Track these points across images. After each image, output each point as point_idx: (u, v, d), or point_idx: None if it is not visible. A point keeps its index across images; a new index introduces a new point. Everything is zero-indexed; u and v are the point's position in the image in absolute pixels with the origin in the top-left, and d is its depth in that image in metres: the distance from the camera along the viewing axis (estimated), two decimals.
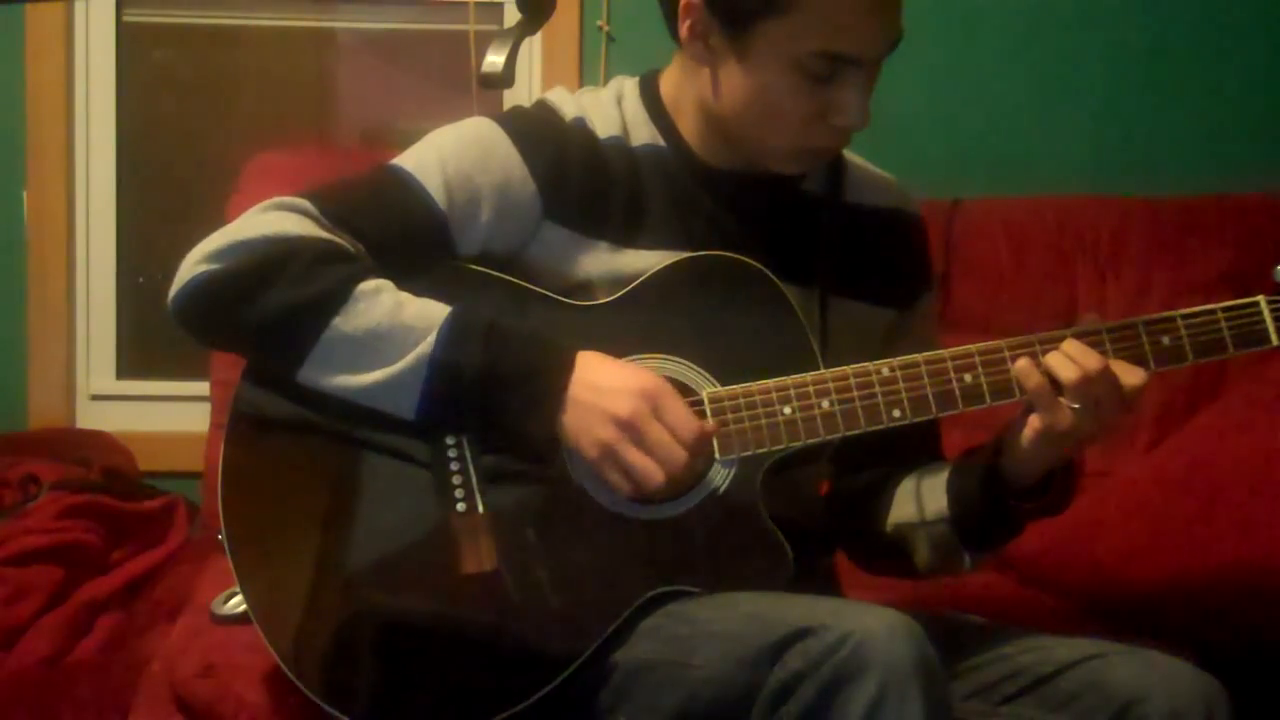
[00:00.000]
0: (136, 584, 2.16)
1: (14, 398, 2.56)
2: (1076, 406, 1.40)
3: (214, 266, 1.42)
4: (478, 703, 1.39)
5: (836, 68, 1.43)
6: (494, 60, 1.44)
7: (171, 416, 2.60)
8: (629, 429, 1.37)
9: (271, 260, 1.41)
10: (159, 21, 2.70)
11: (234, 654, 1.57)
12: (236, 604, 1.50)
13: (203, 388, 2.31)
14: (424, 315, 1.42)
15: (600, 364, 1.42)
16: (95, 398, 2.62)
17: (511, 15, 1.50)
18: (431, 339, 1.40)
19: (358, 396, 1.41)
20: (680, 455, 1.37)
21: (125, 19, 2.63)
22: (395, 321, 1.40)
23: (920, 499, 1.58)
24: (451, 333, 1.40)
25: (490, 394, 1.40)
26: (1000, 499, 1.49)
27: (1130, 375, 1.42)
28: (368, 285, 1.42)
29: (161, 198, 2.69)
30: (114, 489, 2.28)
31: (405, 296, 1.43)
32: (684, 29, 1.49)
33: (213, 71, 2.73)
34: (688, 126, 1.56)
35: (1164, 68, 2.66)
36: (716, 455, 1.44)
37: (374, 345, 1.40)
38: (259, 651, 1.47)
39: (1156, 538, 1.97)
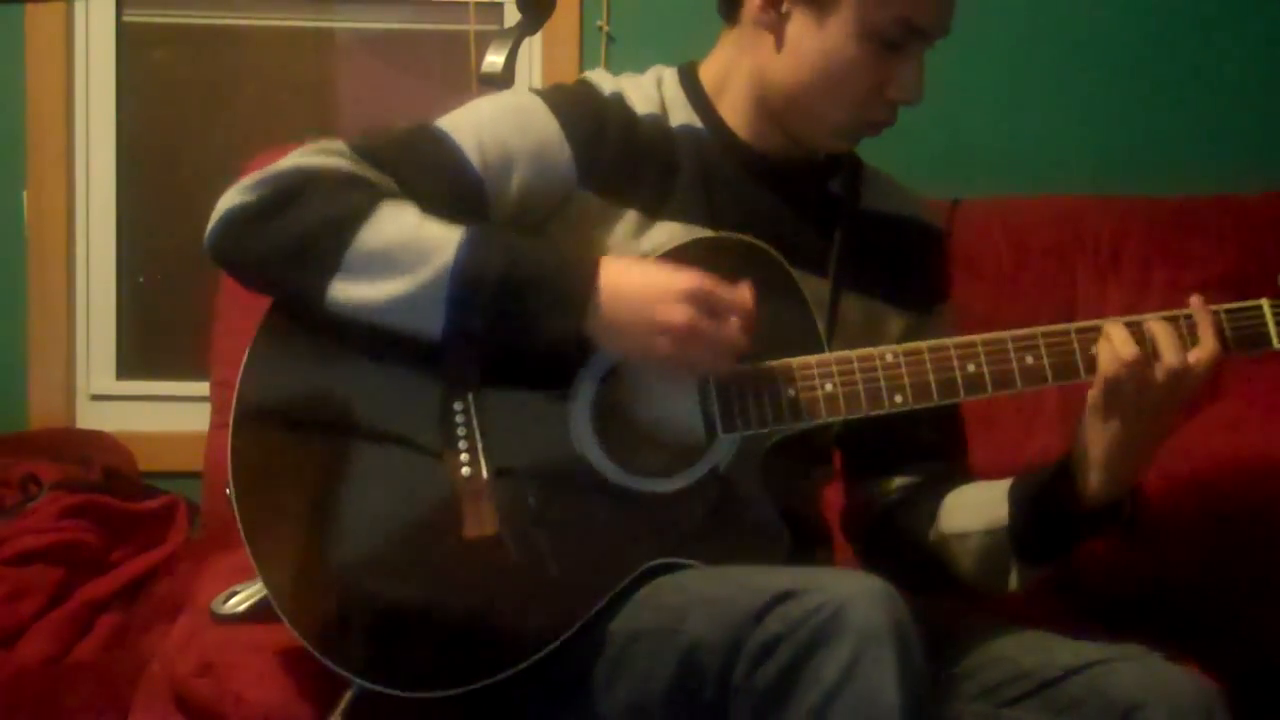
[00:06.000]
0: (136, 584, 2.17)
1: (14, 398, 2.56)
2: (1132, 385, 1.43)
3: (246, 197, 1.46)
4: (472, 665, 1.41)
5: (908, 40, 1.49)
6: (494, 60, 1.45)
7: (171, 416, 2.59)
8: (695, 300, 1.39)
9: (301, 184, 1.44)
10: (159, 21, 2.69)
11: (234, 653, 1.57)
12: (236, 603, 1.51)
13: (203, 388, 2.30)
14: (446, 228, 1.43)
15: (629, 262, 1.45)
16: (95, 398, 2.62)
17: (511, 15, 1.51)
18: (453, 248, 1.41)
19: (383, 312, 1.42)
20: (746, 311, 1.40)
21: (125, 19, 2.63)
22: (418, 234, 1.42)
23: (974, 509, 1.57)
24: (473, 240, 1.42)
25: (514, 295, 1.41)
26: (1064, 505, 1.49)
27: (1172, 354, 1.45)
28: (392, 204, 1.44)
29: (161, 198, 2.69)
30: (114, 489, 2.28)
31: (430, 217, 1.45)
32: None
33: (213, 71, 2.73)
34: (730, 109, 1.59)
35: (1164, 68, 2.66)
36: (720, 431, 1.46)
37: (397, 256, 1.41)
38: (259, 651, 1.48)
39: (1157, 538, 1.96)
